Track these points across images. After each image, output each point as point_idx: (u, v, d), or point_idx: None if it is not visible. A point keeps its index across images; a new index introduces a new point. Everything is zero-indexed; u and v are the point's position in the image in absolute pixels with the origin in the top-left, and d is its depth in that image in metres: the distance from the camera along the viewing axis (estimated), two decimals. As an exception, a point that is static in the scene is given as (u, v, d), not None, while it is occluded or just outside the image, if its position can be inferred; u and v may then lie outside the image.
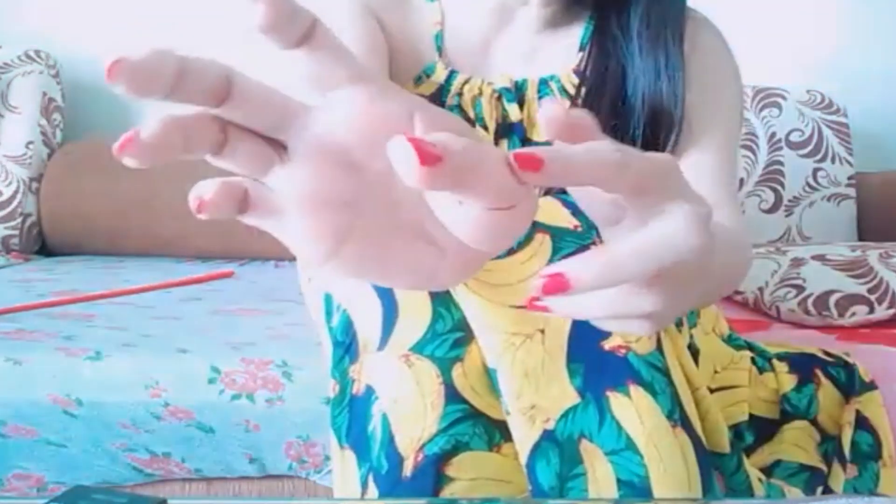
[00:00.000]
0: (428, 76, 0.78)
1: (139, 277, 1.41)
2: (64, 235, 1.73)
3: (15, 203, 1.70)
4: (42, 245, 1.76)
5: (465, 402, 0.56)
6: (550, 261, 0.57)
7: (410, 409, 0.55)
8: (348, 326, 0.58)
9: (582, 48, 0.79)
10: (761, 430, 0.74)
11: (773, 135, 1.86)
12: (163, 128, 0.28)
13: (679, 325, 0.63)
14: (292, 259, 1.95)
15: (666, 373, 0.56)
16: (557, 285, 0.30)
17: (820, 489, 0.72)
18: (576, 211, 0.60)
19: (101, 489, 0.42)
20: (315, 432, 1.00)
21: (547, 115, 0.30)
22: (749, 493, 0.64)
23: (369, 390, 0.56)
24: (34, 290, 1.31)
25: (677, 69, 0.73)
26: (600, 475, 0.55)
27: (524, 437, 0.55)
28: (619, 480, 0.55)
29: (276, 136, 0.30)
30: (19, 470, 1.01)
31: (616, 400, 0.56)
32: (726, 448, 0.64)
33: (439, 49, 0.79)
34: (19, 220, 1.70)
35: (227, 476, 1.04)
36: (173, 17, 1.88)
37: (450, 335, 0.56)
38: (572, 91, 0.77)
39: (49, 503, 0.41)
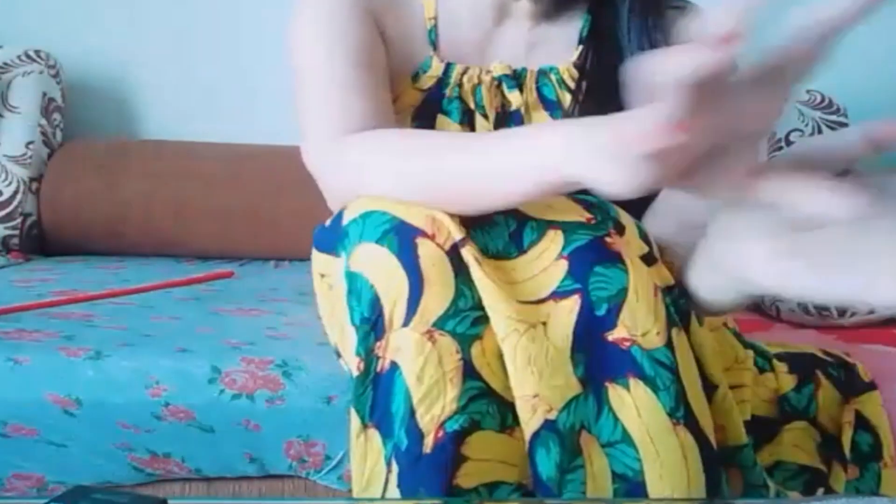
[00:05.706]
0: (424, 71, 0.78)
1: (139, 277, 1.41)
2: (64, 235, 1.73)
3: (15, 203, 1.70)
4: (42, 245, 1.76)
5: (481, 380, 0.56)
6: (562, 251, 0.57)
7: (432, 386, 0.54)
8: (375, 302, 0.57)
9: (581, 42, 0.79)
10: (761, 430, 0.74)
11: (773, 135, 1.86)
12: None
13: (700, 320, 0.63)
14: (292, 259, 1.93)
15: (673, 370, 0.56)
16: None
17: (821, 490, 0.72)
18: (589, 206, 0.60)
19: (101, 489, 0.42)
20: (315, 432, 0.99)
21: None
22: (766, 488, 0.64)
23: (394, 367, 0.56)
24: (34, 290, 1.31)
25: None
26: (597, 468, 0.55)
27: (525, 424, 0.55)
28: (613, 474, 0.55)
29: None
30: (19, 470, 1.01)
31: (614, 392, 0.55)
32: (743, 438, 0.63)
33: (433, 43, 0.79)
34: (19, 220, 1.70)
35: (227, 476, 1.04)
36: (173, 17, 1.88)
37: (470, 313, 0.56)
38: (572, 85, 0.77)
39: (49, 503, 0.41)
